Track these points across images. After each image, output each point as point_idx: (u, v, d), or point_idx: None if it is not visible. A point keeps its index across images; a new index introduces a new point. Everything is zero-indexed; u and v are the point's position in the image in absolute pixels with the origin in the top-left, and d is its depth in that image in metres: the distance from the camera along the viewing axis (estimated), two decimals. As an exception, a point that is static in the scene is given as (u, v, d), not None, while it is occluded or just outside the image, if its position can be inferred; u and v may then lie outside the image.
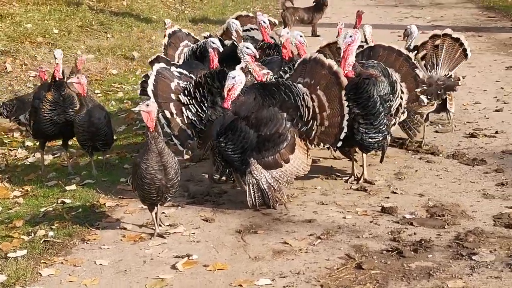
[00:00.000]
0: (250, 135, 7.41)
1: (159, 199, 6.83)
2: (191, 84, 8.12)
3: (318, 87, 7.75)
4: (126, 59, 15.86)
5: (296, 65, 8.16)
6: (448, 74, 9.19)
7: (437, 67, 9.22)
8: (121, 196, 8.09)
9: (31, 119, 9.15)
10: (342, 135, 7.76)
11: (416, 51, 9.29)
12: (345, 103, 7.71)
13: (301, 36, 9.18)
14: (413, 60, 8.53)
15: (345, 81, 7.74)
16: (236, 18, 10.96)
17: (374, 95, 7.74)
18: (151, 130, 6.62)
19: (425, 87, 8.71)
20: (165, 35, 10.91)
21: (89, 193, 8.20)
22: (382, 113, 7.84)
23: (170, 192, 6.82)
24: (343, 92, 7.73)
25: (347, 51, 7.85)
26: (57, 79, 8.87)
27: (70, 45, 16.10)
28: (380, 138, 7.95)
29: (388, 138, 8.16)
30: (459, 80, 9.28)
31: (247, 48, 8.34)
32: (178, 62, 9.95)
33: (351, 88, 7.74)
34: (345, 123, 7.72)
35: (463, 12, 21.61)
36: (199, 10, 22.87)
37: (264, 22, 10.02)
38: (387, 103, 7.88)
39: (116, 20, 18.95)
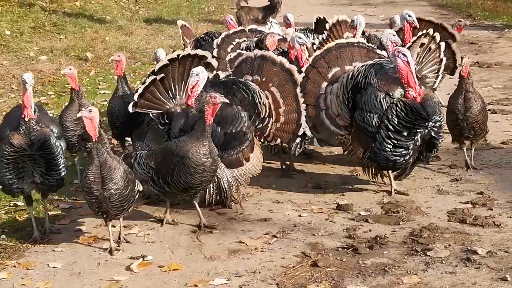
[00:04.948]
0: (218, 132, 7.35)
1: (101, 210, 6.54)
2: None
3: (270, 84, 7.76)
4: (79, 60, 15.67)
5: (236, 63, 8.10)
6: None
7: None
8: (75, 198, 8.00)
9: None
10: (300, 131, 7.80)
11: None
12: (301, 100, 7.73)
13: (394, 35, 8.68)
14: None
15: (299, 79, 7.77)
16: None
17: None
18: (94, 140, 6.36)
19: None
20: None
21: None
22: None
23: (112, 204, 6.48)
24: (298, 89, 7.75)
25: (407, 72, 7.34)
26: (26, 119, 6.69)
27: (23, 46, 15.89)
28: None
29: None
30: None
31: (299, 38, 8.38)
32: None
33: None
34: (303, 119, 7.77)
35: (417, 10, 21.47)
36: (153, 10, 22.73)
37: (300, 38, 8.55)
38: None
39: (70, 21, 18.72)
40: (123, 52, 13.79)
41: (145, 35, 18.39)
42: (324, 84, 7.98)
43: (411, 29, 9.38)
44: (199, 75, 7.36)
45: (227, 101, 7.06)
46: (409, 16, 9.22)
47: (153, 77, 7.63)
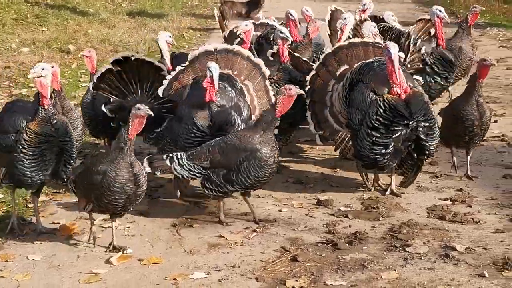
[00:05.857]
0: (236, 120, 7.30)
1: (124, 209, 6.42)
2: None
3: (242, 77, 7.82)
4: (61, 52, 15.62)
5: (190, 56, 7.94)
6: None
7: None
8: (55, 191, 7.96)
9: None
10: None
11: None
12: (271, 92, 7.82)
13: (374, 27, 8.80)
14: None
15: (267, 72, 7.87)
16: None
17: None
18: (132, 138, 6.21)
19: None
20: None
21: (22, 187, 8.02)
22: None
23: (137, 201, 6.40)
24: (267, 82, 7.88)
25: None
26: (45, 107, 6.56)
27: (5, 38, 15.83)
28: None
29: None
30: None
31: (281, 32, 8.39)
32: None
33: None
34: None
35: (400, 7, 21.82)
36: (136, 3, 22.68)
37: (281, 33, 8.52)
38: None
39: (52, 13, 18.68)
40: (105, 45, 13.76)
41: (128, 28, 18.38)
42: (332, 81, 8.01)
43: (442, 24, 9.36)
44: (214, 70, 7.23)
45: (303, 92, 7.12)
46: (440, 11, 9.21)
47: (109, 66, 7.70)
